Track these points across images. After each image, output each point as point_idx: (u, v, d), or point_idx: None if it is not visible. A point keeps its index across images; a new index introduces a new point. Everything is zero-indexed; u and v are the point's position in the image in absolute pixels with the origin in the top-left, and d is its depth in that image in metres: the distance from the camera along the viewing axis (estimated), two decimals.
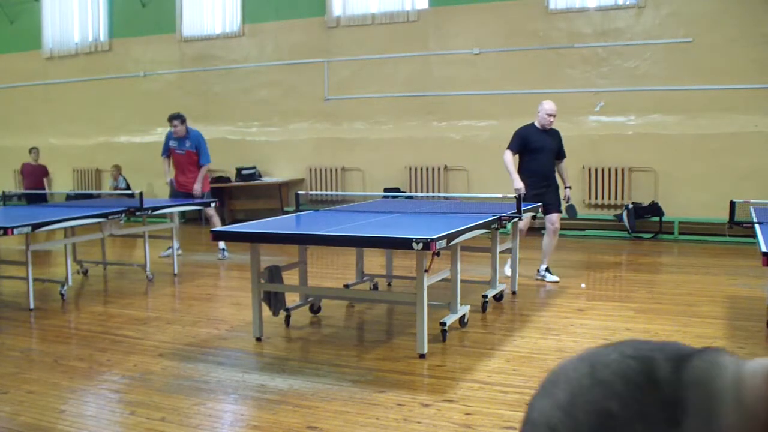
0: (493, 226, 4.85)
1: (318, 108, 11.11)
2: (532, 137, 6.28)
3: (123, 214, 6.24)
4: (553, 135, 6.38)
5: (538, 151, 6.28)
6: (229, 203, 11.23)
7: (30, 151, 11.66)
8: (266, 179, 11.13)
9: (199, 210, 10.88)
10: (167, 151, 7.99)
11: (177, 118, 7.77)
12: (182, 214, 11.01)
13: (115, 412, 3.38)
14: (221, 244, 7.83)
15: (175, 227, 7.29)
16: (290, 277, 5.13)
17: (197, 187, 7.83)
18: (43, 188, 11.51)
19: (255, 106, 11.44)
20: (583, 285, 6.16)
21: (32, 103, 13.19)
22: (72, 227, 6.06)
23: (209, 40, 11.81)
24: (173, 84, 12.05)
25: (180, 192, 7.88)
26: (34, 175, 11.62)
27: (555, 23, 9.65)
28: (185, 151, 7.85)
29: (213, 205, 7.79)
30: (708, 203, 8.74)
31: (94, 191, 12.16)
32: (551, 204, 6.33)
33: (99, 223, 6.01)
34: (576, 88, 9.60)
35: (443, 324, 4.39)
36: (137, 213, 6.32)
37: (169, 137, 7.96)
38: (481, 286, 5.58)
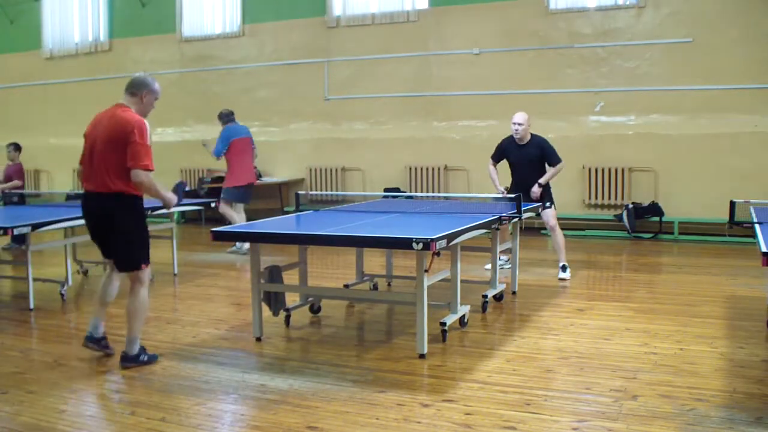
0: (493, 226, 4.86)
1: (318, 108, 11.11)
2: (507, 150, 6.66)
3: None
4: (532, 146, 6.50)
5: (513, 165, 6.65)
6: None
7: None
8: (266, 179, 11.12)
9: (199, 210, 10.90)
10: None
11: (219, 117, 8.39)
12: (182, 214, 11.04)
13: (115, 412, 3.38)
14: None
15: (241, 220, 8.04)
16: (290, 277, 5.13)
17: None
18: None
19: (255, 106, 11.43)
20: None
21: (32, 103, 13.18)
22: (72, 227, 6.05)
23: (209, 40, 11.81)
24: (173, 84, 12.03)
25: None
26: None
27: (555, 23, 9.66)
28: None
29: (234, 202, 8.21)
30: (708, 203, 8.74)
31: None
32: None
33: None
34: (576, 88, 9.60)
35: (443, 324, 4.39)
36: None
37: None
38: (481, 286, 5.59)
